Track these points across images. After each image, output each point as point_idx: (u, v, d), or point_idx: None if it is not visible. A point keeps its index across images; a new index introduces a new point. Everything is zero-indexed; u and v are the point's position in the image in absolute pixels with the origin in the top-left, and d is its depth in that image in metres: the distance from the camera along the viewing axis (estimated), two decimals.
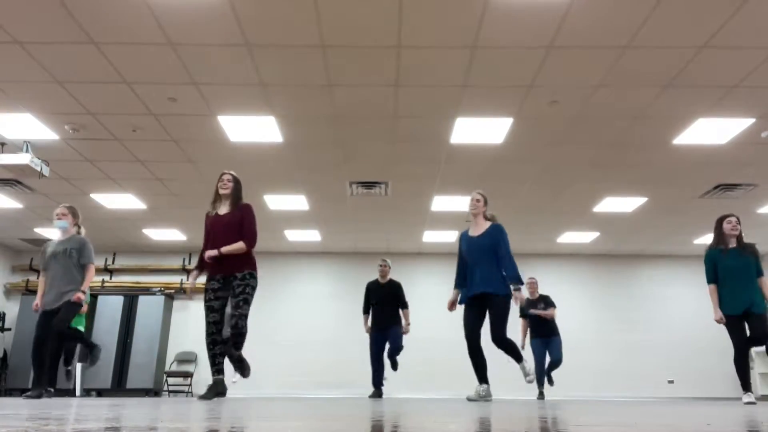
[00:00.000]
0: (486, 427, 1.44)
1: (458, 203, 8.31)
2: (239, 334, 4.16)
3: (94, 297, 10.18)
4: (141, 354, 9.96)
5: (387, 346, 6.65)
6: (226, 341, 4.23)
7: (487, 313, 4.47)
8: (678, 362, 10.59)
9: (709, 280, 4.92)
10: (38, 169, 6.02)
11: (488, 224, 4.60)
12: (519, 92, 5.31)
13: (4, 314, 10.31)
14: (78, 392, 9.07)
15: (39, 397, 4.84)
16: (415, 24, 4.34)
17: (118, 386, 9.83)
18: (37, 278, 10.85)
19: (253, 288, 4.28)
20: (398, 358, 6.82)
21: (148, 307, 10.22)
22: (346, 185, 7.66)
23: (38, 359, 4.98)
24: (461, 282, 4.69)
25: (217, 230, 4.29)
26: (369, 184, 7.61)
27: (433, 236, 10.04)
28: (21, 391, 9.69)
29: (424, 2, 4.11)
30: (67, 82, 5.13)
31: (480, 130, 6.06)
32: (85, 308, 6.68)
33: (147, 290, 10.59)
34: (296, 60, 4.81)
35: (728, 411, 2.89)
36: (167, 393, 10.15)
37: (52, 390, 5.93)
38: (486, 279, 4.43)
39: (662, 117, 5.76)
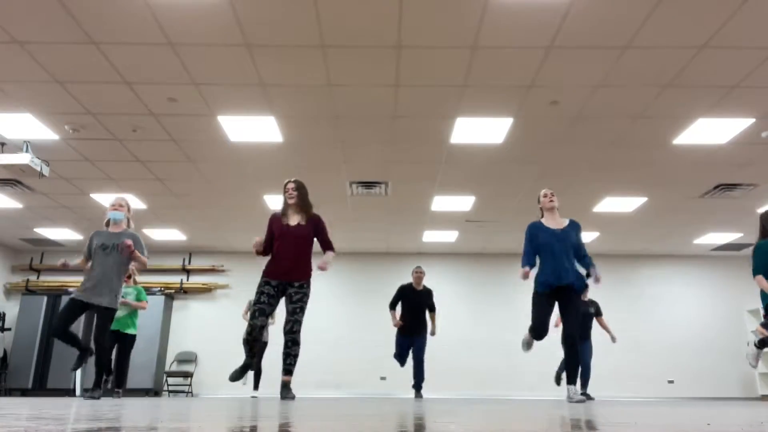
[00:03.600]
0: (484, 427, 1.44)
1: (458, 203, 8.30)
2: (293, 341, 4.25)
3: None
4: (141, 354, 9.93)
5: (410, 352, 6.97)
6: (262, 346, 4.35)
7: (559, 306, 4.55)
8: (678, 362, 10.58)
9: (761, 271, 4.99)
10: (38, 169, 6.02)
11: (566, 219, 4.73)
12: (519, 92, 5.31)
13: (4, 314, 10.30)
14: (78, 392, 9.07)
15: (80, 365, 4.91)
16: (415, 24, 4.34)
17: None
18: (37, 279, 10.92)
19: (309, 297, 4.42)
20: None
21: (148, 307, 10.19)
22: (346, 185, 7.65)
23: (65, 338, 4.71)
24: (532, 263, 4.66)
25: (288, 241, 4.43)
26: (369, 184, 7.61)
27: (433, 236, 10.04)
28: (21, 391, 9.69)
29: (424, 2, 4.10)
30: (67, 82, 5.13)
31: (480, 130, 6.05)
32: (146, 304, 6.73)
33: (147, 290, 10.55)
34: (296, 60, 4.81)
35: (728, 411, 2.89)
36: (167, 393, 10.14)
37: (120, 391, 5.96)
38: (573, 272, 4.54)
39: (662, 117, 5.76)
